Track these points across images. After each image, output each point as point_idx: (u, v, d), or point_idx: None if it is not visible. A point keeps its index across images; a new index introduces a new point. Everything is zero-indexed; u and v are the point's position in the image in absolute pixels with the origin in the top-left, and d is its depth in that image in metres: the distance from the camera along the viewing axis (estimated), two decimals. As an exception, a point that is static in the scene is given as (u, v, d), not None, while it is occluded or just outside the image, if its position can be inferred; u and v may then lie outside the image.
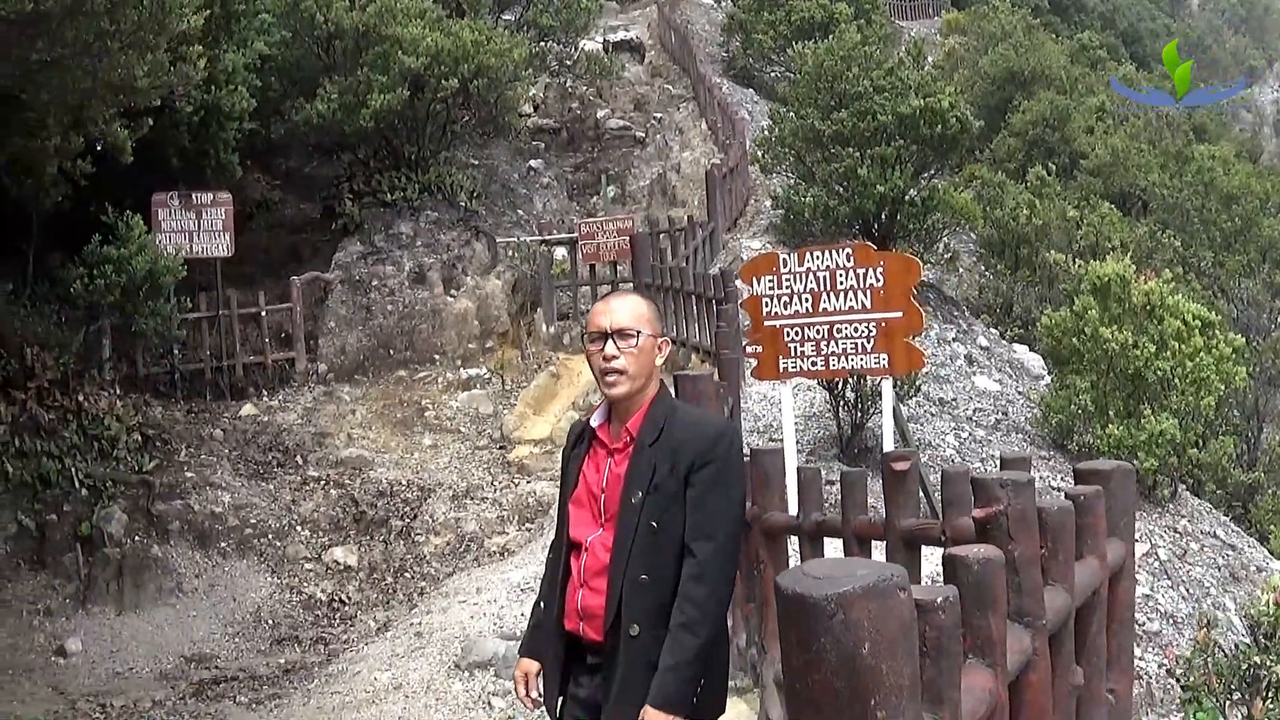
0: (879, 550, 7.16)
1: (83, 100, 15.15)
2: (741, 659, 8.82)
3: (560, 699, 4.88)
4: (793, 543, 7.94)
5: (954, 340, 21.19)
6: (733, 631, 8.91)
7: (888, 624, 1.95)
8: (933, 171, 24.44)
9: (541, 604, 5.03)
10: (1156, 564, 14.97)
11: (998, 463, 8.19)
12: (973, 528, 3.88)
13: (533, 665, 4.98)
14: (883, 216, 23.46)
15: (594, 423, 4.88)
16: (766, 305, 11.55)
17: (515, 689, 5.08)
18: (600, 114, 35.35)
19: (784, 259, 11.71)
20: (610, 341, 4.65)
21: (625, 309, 4.73)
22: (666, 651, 4.51)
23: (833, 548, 7.16)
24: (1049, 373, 20.28)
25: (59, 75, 13.92)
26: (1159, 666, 12.74)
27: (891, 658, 1.95)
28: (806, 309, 11.39)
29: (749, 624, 8.40)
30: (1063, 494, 4.34)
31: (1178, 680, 5.71)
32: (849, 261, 11.28)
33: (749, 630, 8.41)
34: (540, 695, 4.96)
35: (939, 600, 2.42)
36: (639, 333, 4.68)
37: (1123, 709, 4.90)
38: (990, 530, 3.39)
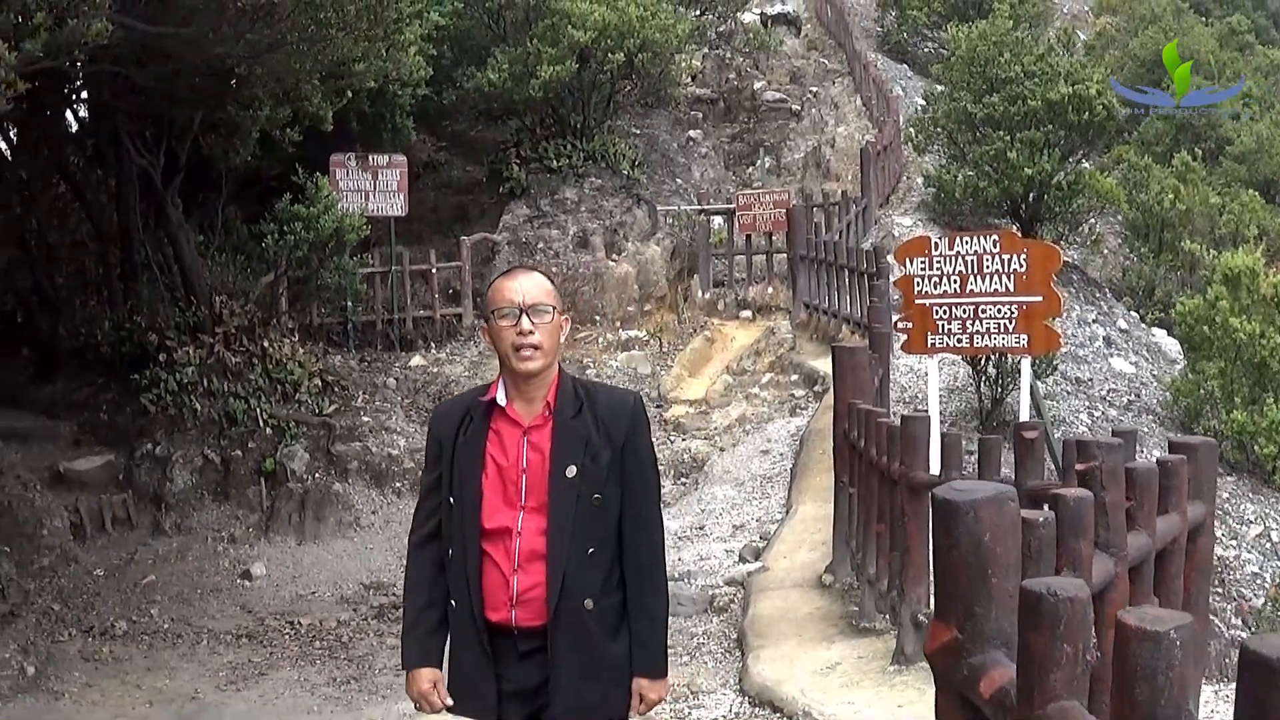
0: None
1: (298, 79, 16.24)
2: (882, 601, 9.74)
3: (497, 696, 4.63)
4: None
5: (1094, 322, 21.68)
6: (875, 578, 9.89)
7: (1002, 521, 2.97)
8: (1080, 155, 24.90)
9: (427, 608, 4.72)
10: (1269, 545, 15.59)
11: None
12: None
13: (436, 672, 4.71)
14: (1030, 198, 23.98)
15: (500, 401, 4.66)
16: (918, 284, 12.18)
17: (424, 701, 4.70)
18: (757, 86, 35.79)
19: (935, 242, 12.32)
20: (525, 317, 4.52)
21: (536, 285, 4.62)
22: (644, 622, 4.63)
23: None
24: (1185, 357, 20.80)
25: (281, 57, 14.92)
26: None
27: (1003, 543, 2.98)
28: (954, 289, 11.98)
29: (890, 570, 9.27)
30: (1154, 460, 5.32)
31: (1250, 631, 6.44)
32: (995, 247, 11.86)
33: (890, 575, 9.28)
34: (450, 700, 4.70)
35: (1040, 519, 3.47)
36: (552, 308, 4.59)
37: (1198, 646, 5.82)
38: (1087, 480, 4.44)
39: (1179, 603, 5.48)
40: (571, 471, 4.53)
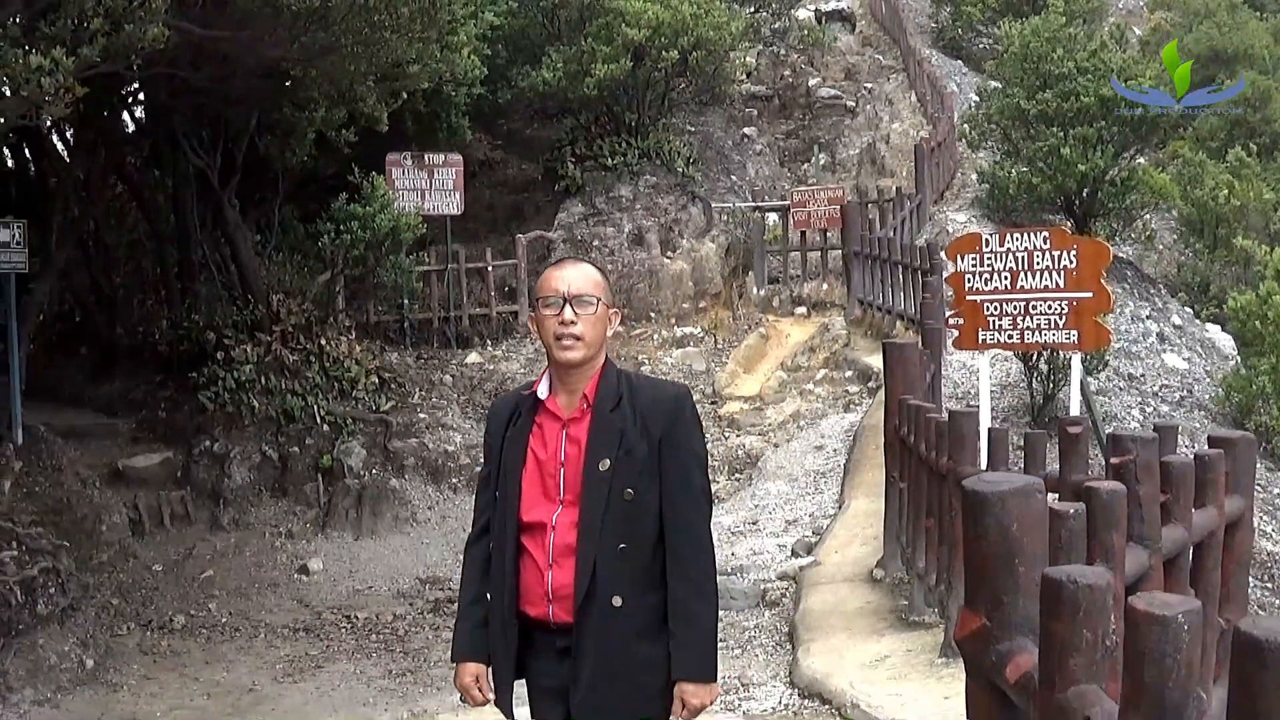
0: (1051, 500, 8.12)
1: (352, 81, 16.39)
2: (931, 595, 9.82)
3: (526, 692, 4.66)
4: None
5: (1147, 318, 21.59)
6: (924, 572, 9.96)
7: (1029, 511, 3.05)
8: (1134, 151, 24.79)
9: (474, 602, 4.69)
10: (1321, 541, 15.55)
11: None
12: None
13: (480, 667, 4.64)
14: (1084, 195, 23.85)
15: (541, 394, 4.60)
16: (969, 281, 12.16)
17: (466, 694, 4.67)
18: (811, 82, 35.71)
19: (986, 239, 12.32)
20: (569, 307, 4.44)
21: (582, 275, 4.55)
22: (681, 623, 4.42)
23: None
24: (1239, 353, 20.76)
25: (335, 59, 15.09)
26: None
27: (1030, 533, 3.05)
28: (1005, 286, 11.96)
29: (939, 564, 9.33)
30: (1191, 454, 5.38)
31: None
32: (1045, 244, 11.85)
33: (939, 569, 9.35)
34: (493, 694, 4.65)
35: (1071, 511, 3.56)
36: (597, 300, 4.50)
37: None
38: (1122, 473, 4.51)
39: (1216, 596, 5.54)
40: (604, 465, 4.42)
